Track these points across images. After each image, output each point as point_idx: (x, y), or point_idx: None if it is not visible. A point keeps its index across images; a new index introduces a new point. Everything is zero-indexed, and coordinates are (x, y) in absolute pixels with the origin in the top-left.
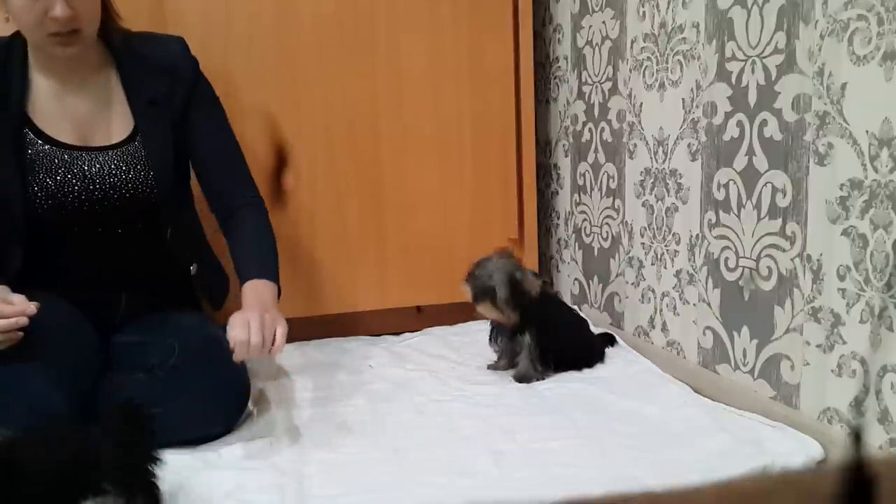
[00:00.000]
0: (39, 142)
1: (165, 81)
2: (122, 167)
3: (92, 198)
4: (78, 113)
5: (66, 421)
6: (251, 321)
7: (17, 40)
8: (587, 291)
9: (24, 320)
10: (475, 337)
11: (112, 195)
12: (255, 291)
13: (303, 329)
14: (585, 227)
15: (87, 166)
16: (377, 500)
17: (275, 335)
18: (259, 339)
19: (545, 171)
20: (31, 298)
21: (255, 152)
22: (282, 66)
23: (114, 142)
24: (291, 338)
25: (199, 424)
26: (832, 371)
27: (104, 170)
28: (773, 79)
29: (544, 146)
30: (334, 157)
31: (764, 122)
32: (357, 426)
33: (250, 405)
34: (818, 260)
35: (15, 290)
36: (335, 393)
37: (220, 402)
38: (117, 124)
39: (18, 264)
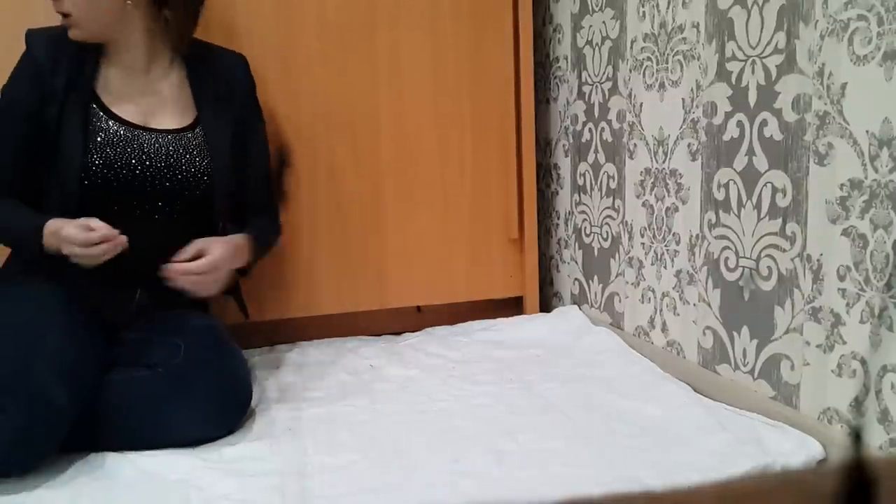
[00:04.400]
0: (104, 116)
1: (228, 87)
2: (179, 150)
3: (146, 174)
4: (143, 97)
5: (67, 416)
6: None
7: None
8: (587, 291)
9: (119, 241)
10: (475, 337)
11: (167, 174)
12: (234, 237)
13: (303, 329)
14: (585, 227)
15: (147, 145)
16: (378, 500)
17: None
18: (195, 268)
19: (545, 171)
20: (48, 290)
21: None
22: (282, 67)
23: (176, 127)
24: (292, 338)
25: (199, 426)
26: (832, 371)
27: (162, 150)
28: (773, 79)
29: (544, 146)
30: (334, 158)
31: (764, 122)
32: (357, 426)
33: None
34: (818, 260)
35: (42, 263)
36: (335, 393)
37: (221, 406)
38: (180, 112)
39: None
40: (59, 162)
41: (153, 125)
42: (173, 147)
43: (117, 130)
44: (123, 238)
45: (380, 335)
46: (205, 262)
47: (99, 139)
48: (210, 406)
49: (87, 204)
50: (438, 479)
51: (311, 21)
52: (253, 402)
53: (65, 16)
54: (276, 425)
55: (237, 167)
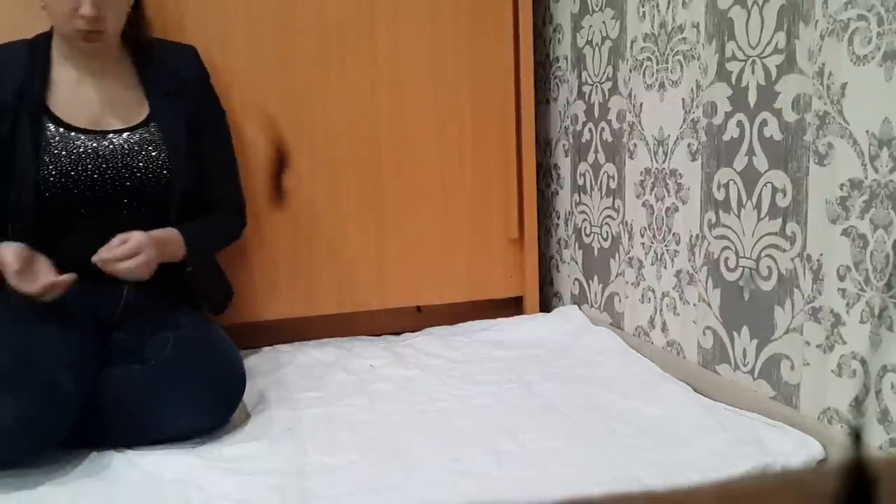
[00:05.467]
0: (55, 126)
1: (179, 80)
2: (135, 148)
3: (104, 177)
4: (94, 99)
5: (75, 402)
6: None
7: (44, 38)
8: (587, 291)
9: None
10: (475, 337)
11: (125, 175)
12: (162, 230)
13: (303, 329)
14: (585, 227)
15: (101, 149)
16: (378, 500)
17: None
18: (119, 254)
19: (545, 171)
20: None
21: (255, 152)
22: (282, 67)
23: (129, 125)
24: (292, 338)
25: (194, 416)
26: (832, 371)
27: (117, 151)
28: (773, 79)
29: (544, 146)
30: (334, 157)
31: (764, 122)
32: (357, 426)
33: (249, 407)
34: (818, 260)
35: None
36: (335, 393)
37: (214, 394)
38: (133, 109)
39: None
40: (14, 176)
41: (106, 127)
42: (128, 146)
43: (70, 138)
44: (66, 279)
45: (380, 335)
46: (126, 247)
47: (53, 150)
48: (204, 395)
49: (50, 214)
50: (438, 479)
51: (310, 21)
52: (253, 403)
53: (94, 31)
54: (276, 425)
55: (194, 159)
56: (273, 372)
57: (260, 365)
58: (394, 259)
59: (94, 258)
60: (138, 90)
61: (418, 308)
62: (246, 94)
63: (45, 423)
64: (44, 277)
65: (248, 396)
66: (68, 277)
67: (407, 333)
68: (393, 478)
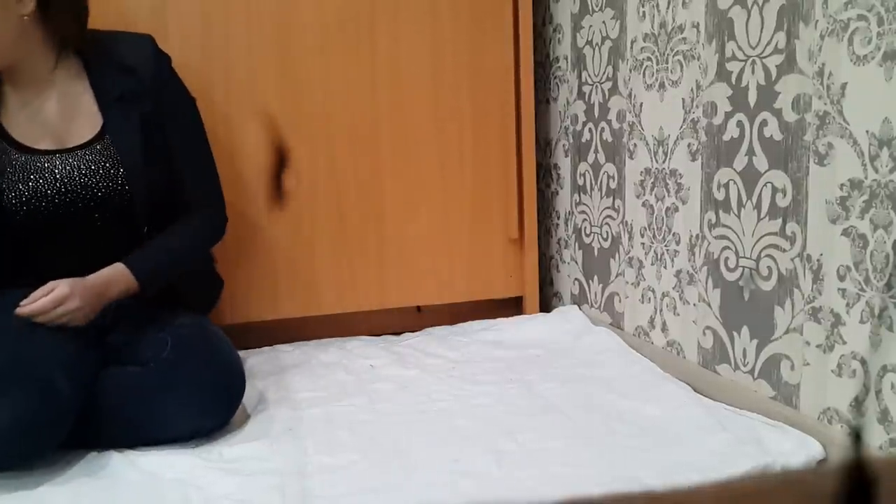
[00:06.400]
0: (12, 150)
1: (131, 80)
2: (90, 167)
3: (65, 200)
4: (46, 117)
5: (72, 405)
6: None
7: None
8: (587, 291)
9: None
10: (475, 337)
11: (84, 195)
12: (107, 269)
13: (303, 329)
14: (585, 227)
15: (58, 170)
16: (378, 500)
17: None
18: (39, 308)
19: (545, 171)
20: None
21: (255, 152)
22: (282, 67)
23: (82, 141)
24: (292, 338)
25: (194, 418)
26: (832, 371)
27: (74, 171)
28: (773, 79)
29: (544, 146)
30: (334, 157)
31: (764, 122)
32: (357, 426)
33: (249, 407)
34: (818, 260)
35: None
36: (335, 393)
37: (214, 395)
38: (85, 124)
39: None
40: None
41: (62, 145)
42: (84, 165)
43: (26, 162)
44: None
45: (380, 335)
46: (47, 299)
47: (10, 176)
48: (203, 396)
49: (22, 234)
50: (438, 479)
51: (311, 21)
52: (253, 402)
53: None
54: (276, 425)
55: (157, 165)
56: (273, 372)
57: (260, 365)
58: (394, 259)
59: (17, 310)
60: (91, 101)
61: (418, 308)
62: (246, 93)
63: (41, 426)
64: None
65: (248, 396)
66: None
67: (407, 333)
68: (393, 478)
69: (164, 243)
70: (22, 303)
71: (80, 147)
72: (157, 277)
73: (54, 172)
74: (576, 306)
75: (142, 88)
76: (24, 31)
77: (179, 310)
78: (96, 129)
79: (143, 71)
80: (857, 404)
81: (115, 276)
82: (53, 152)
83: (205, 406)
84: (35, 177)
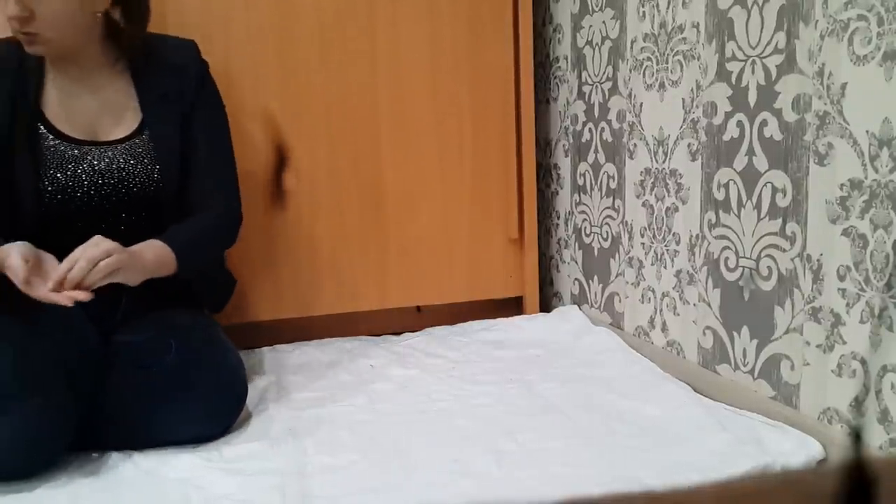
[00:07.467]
0: (51, 137)
1: (176, 80)
2: (129, 161)
3: (101, 192)
4: (88, 109)
5: (73, 417)
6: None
7: None
8: (587, 291)
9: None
10: (475, 337)
11: (120, 189)
12: (143, 245)
13: (303, 329)
14: (585, 227)
15: (97, 161)
16: (378, 500)
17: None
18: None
19: (545, 171)
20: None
21: (255, 152)
22: (282, 66)
23: (122, 136)
24: (292, 338)
25: (196, 424)
26: (832, 371)
27: (112, 164)
28: (773, 79)
29: (544, 146)
30: (334, 157)
31: (764, 122)
32: (357, 426)
33: (250, 406)
34: (818, 260)
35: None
36: (335, 393)
37: (216, 403)
38: (126, 119)
39: None
40: (12, 187)
41: (101, 137)
42: (123, 158)
43: (66, 151)
44: (72, 297)
45: (380, 335)
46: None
47: (49, 162)
48: (206, 403)
49: (47, 224)
50: (438, 479)
51: (310, 21)
52: (253, 403)
53: (29, 33)
54: (276, 425)
55: (187, 163)
56: (273, 372)
57: (260, 365)
58: (394, 259)
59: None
60: (132, 95)
61: (418, 308)
62: (246, 93)
63: (42, 441)
64: (45, 291)
65: (249, 397)
66: (77, 295)
67: (407, 333)
68: (393, 478)
69: (193, 225)
70: (55, 277)
71: (120, 141)
72: (192, 252)
73: (92, 163)
74: (576, 306)
75: (185, 89)
76: (93, 26)
77: (188, 310)
78: (134, 126)
79: (189, 72)
80: (857, 404)
81: (150, 245)
82: (91, 143)
83: (206, 413)
84: (73, 166)
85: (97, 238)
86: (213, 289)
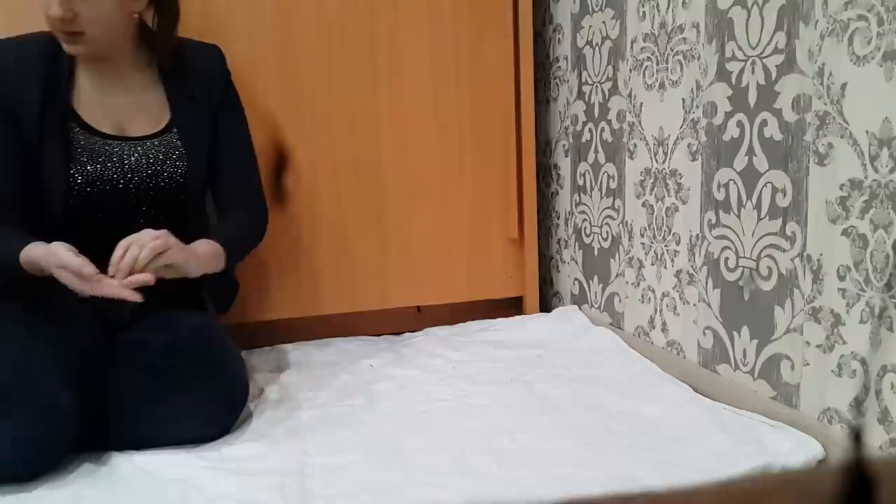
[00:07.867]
0: (82, 131)
1: (202, 82)
2: (158, 157)
3: (129, 186)
4: (119, 105)
5: (75, 421)
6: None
7: None
8: (587, 291)
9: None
10: (475, 337)
11: (149, 183)
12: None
13: (303, 329)
14: (585, 227)
15: (127, 155)
16: (378, 500)
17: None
18: (134, 254)
19: (545, 171)
20: (45, 290)
21: (255, 152)
22: (282, 66)
23: (151, 132)
24: (292, 338)
25: (196, 425)
26: (832, 371)
27: (143, 159)
28: (773, 79)
29: (544, 146)
30: (334, 157)
31: (764, 122)
32: (357, 426)
33: (250, 405)
34: (818, 260)
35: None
36: (335, 393)
37: (218, 404)
38: (155, 115)
39: None
40: (42, 180)
41: (130, 133)
42: (153, 154)
43: (96, 145)
44: (129, 297)
45: (380, 335)
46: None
47: (79, 156)
48: (207, 404)
49: (72, 218)
50: (438, 479)
51: (310, 21)
52: (253, 403)
53: (71, 33)
54: (276, 425)
55: (213, 164)
56: (273, 372)
57: (260, 365)
58: (394, 259)
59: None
60: (161, 94)
61: (418, 308)
62: (246, 93)
63: (44, 446)
64: (108, 285)
65: (249, 397)
66: (139, 278)
67: (407, 333)
68: (393, 478)
69: (233, 225)
70: (112, 264)
71: (149, 137)
72: (238, 248)
73: (122, 158)
74: (576, 306)
75: (212, 90)
76: (130, 25)
77: (194, 311)
78: (164, 123)
79: (215, 75)
80: (857, 404)
81: (200, 241)
82: (119, 138)
83: (207, 415)
84: (103, 160)
85: (143, 230)
86: (220, 290)
